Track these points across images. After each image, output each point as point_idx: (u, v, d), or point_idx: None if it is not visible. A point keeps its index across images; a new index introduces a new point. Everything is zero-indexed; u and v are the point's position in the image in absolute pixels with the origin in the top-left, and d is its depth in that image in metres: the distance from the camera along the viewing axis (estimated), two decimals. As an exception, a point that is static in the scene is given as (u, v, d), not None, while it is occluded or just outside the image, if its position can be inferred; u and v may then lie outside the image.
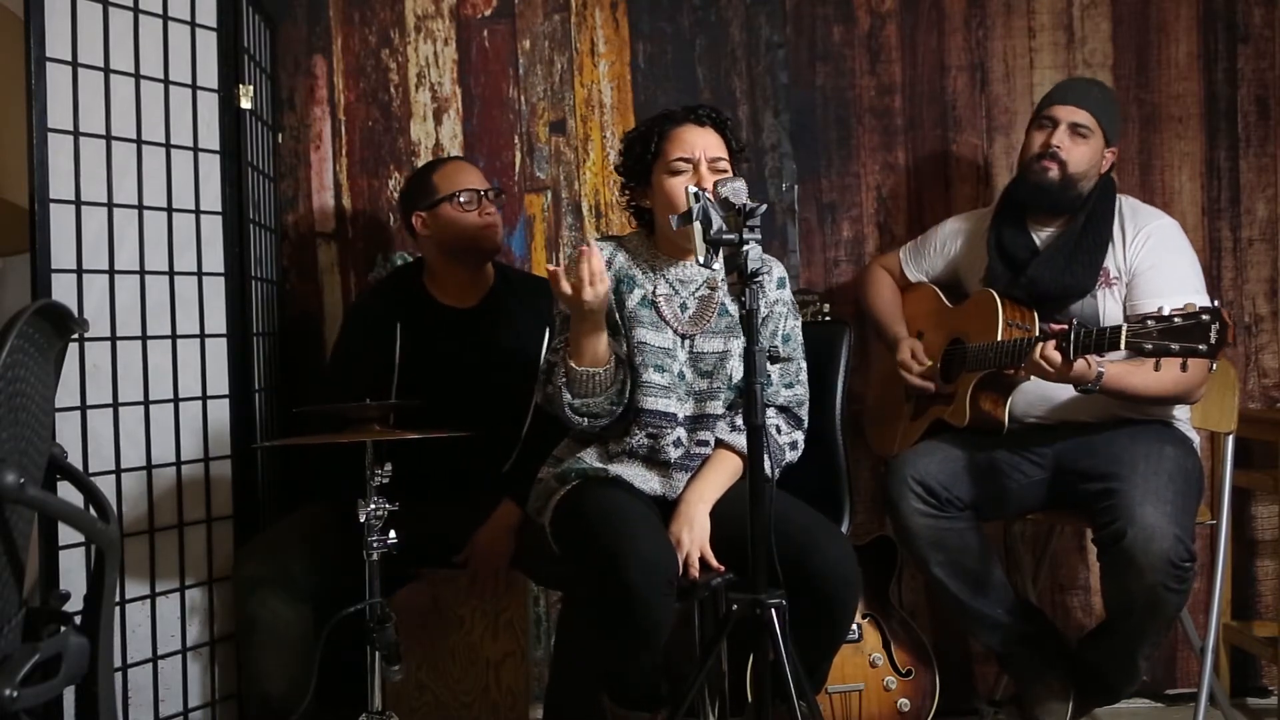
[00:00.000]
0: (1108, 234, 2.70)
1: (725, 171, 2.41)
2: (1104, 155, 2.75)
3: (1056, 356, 2.40)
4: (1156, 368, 2.26)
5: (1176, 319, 2.21)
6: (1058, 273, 2.67)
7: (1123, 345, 2.27)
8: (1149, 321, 2.24)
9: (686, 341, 2.46)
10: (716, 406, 2.45)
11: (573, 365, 2.34)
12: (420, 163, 3.19)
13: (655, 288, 2.48)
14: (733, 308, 2.47)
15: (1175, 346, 2.21)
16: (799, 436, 2.50)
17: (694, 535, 2.34)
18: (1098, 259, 2.68)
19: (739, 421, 2.44)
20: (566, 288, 2.24)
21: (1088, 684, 2.69)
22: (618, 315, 2.45)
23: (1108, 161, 2.77)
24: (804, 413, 2.51)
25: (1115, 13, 3.30)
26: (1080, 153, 2.70)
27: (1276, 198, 3.32)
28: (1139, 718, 3.20)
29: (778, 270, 2.54)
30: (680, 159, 2.40)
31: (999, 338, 2.63)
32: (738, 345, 2.44)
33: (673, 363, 2.44)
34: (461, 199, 2.77)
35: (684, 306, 2.48)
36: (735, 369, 2.44)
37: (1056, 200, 2.72)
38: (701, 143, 2.42)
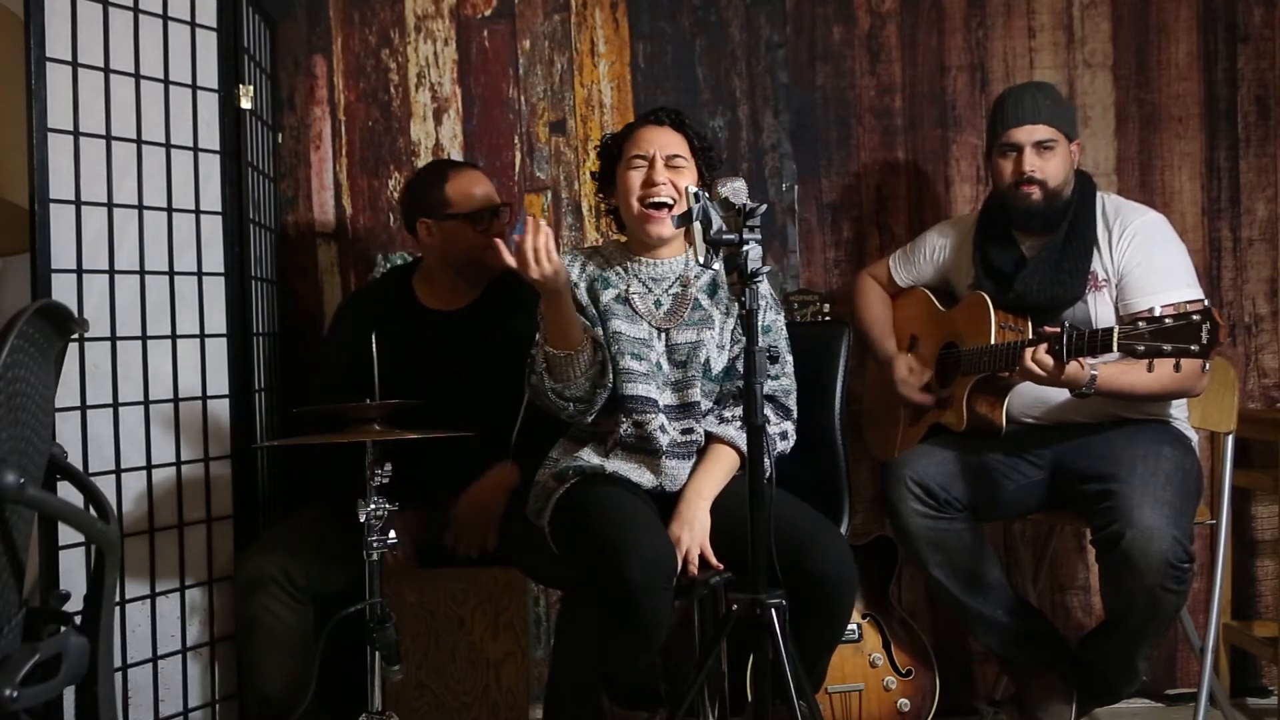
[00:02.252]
0: (1092, 238, 2.69)
1: (682, 168, 2.49)
2: (1071, 153, 2.75)
3: (1049, 360, 2.40)
4: (1150, 369, 2.26)
5: (1168, 319, 2.21)
6: (1045, 284, 2.67)
7: (1115, 347, 2.28)
8: (1140, 323, 2.24)
9: (662, 334, 2.50)
10: (695, 394, 2.47)
11: (548, 349, 2.38)
12: (420, 163, 3.18)
13: (629, 286, 2.53)
14: (705, 302, 2.52)
15: (1167, 347, 2.21)
16: (789, 426, 2.51)
17: (694, 534, 2.35)
18: (1084, 266, 2.67)
19: (727, 414, 2.48)
20: (510, 260, 2.29)
21: (1088, 684, 2.69)
22: (594, 309, 2.50)
23: (1076, 156, 2.77)
24: (791, 402, 2.53)
25: (1115, 13, 3.30)
26: (1053, 166, 2.70)
27: (1276, 198, 3.32)
28: (1139, 718, 3.20)
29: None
30: (636, 155, 2.50)
31: (992, 340, 2.63)
32: (710, 335, 2.48)
33: (650, 352, 2.47)
34: (474, 218, 2.76)
35: (658, 303, 2.52)
36: (713, 360, 2.48)
37: (1046, 217, 2.72)
38: (658, 140, 2.50)
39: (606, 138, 2.61)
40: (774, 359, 2.49)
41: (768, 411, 2.48)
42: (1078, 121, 2.83)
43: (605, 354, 2.44)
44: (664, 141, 2.50)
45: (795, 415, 2.53)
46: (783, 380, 2.53)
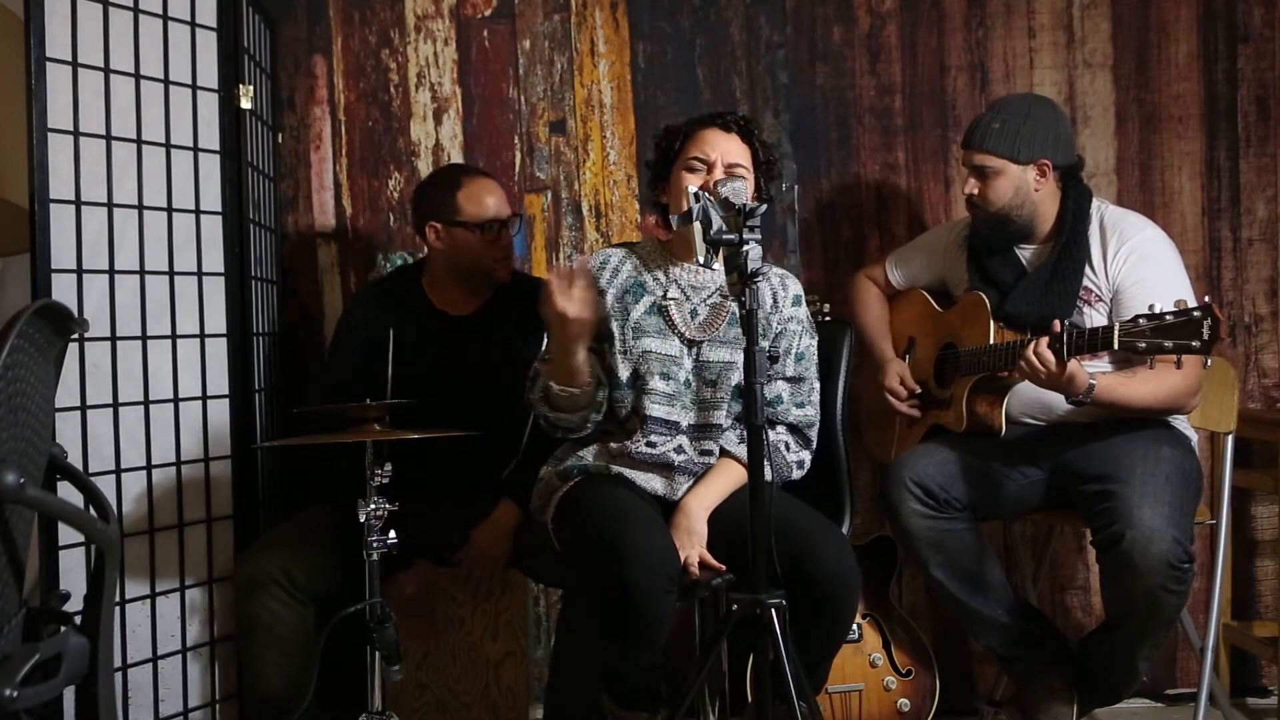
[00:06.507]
0: (1083, 255, 2.66)
1: (742, 179, 2.38)
2: (1030, 175, 2.67)
3: (1050, 355, 2.39)
4: (1151, 366, 2.26)
5: (1168, 316, 2.21)
6: (1034, 304, 2.65)
7: (1116, 344, 2.27)
8: (1141, 320, 2.24)
9: (693, 349, 2.46)
10: (719, 416, 2.44)
11: (551, 385, 2.36)
12: (420, 163, 3.19)
13: (666, 292, 2.48)
14: None
15: (1169, 344, 2.21)
16: (806, 457, 2.50)
17: (693, 544, 2.35)
18: (1073, 286, 2.64)
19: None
20: (562, 304, 2.22)
21: (1088, 685, 2.69)
22: (615, 325, 2.45)
23: (1039, 179, 2.67)
24: (813, 434, 2.51)
25: (1115, 13, 3.30)
26: (993, 191, 2.68)
27: (1276, 198, 3.32)
28: (1139, 718, 3.20)
29: (794, 288, 2.54)
30: (696, 158, 2.42)
31: (991, 340, 2.63)
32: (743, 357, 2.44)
33: (679, 370, 2.44)
34: (483, 228, 2.76)
35: (694, 313, 2.48)
36: (741, 379, 2.44)
37: (999, 237, 2.72)
38: (722, 146, 2.42)
39: (667, 127, 2.52)
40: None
41: (789, 438, 2.47)
42: (1051, 139, 2.67)
43: (605, 392, 2.43)
44: (727, 148, 2.41)
45: (814, 446, 2.52)
46: (807, 410, 2.50)
